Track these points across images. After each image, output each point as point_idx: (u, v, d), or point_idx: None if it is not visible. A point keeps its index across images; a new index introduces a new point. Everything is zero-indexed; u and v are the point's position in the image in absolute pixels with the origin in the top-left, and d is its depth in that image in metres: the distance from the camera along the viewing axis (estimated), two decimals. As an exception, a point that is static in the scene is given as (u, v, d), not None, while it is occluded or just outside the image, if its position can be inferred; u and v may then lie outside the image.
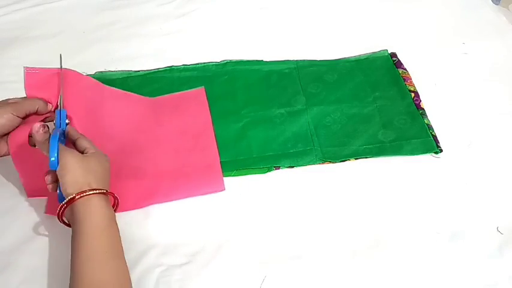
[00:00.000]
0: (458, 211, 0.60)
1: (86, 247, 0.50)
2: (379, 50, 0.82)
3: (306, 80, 0.77)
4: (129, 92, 0.72)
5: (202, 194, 0.63)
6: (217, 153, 0.66)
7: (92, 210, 0.51)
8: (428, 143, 0.67)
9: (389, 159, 0.66)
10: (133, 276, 0.55)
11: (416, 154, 0.66)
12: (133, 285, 0.54)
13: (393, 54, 0.81)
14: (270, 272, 0.54)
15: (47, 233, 0.60)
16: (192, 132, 0.69)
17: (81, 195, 0.51)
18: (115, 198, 0.55)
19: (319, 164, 0.66)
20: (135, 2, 0.97)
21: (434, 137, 0.68)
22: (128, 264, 0.56)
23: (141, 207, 0.61)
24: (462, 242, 0.56)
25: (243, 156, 0.67)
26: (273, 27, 0.90)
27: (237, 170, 0.65)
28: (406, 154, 0.66)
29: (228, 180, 0.65)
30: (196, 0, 0.97)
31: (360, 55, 0.81)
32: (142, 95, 0.77)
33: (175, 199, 0.62)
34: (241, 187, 0.64)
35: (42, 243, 0.59)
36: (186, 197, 0.62)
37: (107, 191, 0.53)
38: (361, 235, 0.58)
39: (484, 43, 0.83)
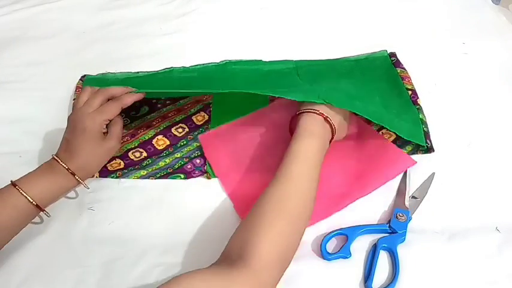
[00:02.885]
0: (457, 210, 0.60)
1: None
2: (378, 50, 0.82)
3: (305, 78, 0.77)
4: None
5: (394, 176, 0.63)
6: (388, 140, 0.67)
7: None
8: (419, 135, 0.66)
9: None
10: (134, 275, 0.55)
11: (409, 138, 0.65)
12: (133, 284, 0.54)
13: (392, 54, 0.81)
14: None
15: (47, 233, 0.60)
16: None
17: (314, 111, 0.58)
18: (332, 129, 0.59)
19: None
20: (135, 2, 0.97)
21: (426, 133, 0.67)
22: (128, 263, 0.56)
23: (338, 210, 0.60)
24: (461, 241, 0.56)
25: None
26: (273, 27, 0.90)
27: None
28: (400, 133, 0.65)
29: (228, 180, 0.65)
30: (196, 0, 0.97)
31: (359, 55, 0.81)
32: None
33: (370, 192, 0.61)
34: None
35: (43, 243, 0.58)
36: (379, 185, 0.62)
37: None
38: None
39: (484, 43, 0.83)
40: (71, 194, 0.63)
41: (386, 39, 0.84)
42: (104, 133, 0.60)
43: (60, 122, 0.73)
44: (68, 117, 0.60)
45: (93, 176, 0.64)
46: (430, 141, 0.66)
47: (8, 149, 0.70)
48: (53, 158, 0.58)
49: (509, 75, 0.77)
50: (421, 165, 0.64)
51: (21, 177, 0.56)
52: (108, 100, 0.61)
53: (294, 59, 0.81)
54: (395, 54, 0.80)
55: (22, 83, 0.81)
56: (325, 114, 0.59)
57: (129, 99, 0.61)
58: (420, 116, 0.69)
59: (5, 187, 0.55)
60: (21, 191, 0.53)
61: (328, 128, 0.59)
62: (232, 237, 0.50)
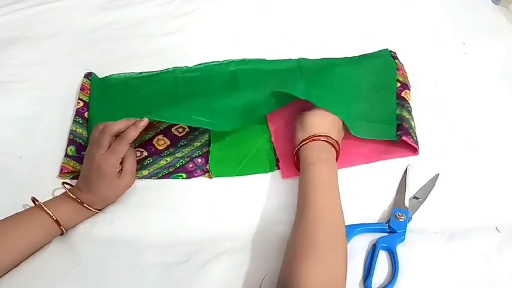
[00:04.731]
0: (457, 210, 0.60)
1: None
2: (379, 49, 0.82)
3: (307, 73, 0.77)
4: None
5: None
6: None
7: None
8: (389, 130, 0.67)
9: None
10: (132, 274, 0.55)
11: (371, 137, 0.66)
12: (132, 283, 0.54)
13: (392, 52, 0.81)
14: (270, 270, 0.54)
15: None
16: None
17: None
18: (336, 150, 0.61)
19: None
20: (135, 2, 0.97)
21: (399, 125, 0.67)
22: (127, 262, 0.56)
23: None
24: (461, 241, 0.56)
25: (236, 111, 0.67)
26: (272, 27, 0.90)
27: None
28: (362, 136, 0.66)
29: (229, 180, 0.65)
30: (196, 0, 0.97)
31: (362, 54, 0.81)
32: (143, 94, 0.77)
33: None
34: (243, 186, 0.64)
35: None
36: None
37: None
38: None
39: (484, 43, 0.83)
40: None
41: (387, 39, 0.84)
42: (118, 171, 0.61)
43: (60, 122, 0.74)
44: (87, 149, 0.61)
45: None
46: (412, 134, 0.66)
47: (8, 149, 0.70)
48: (70, 191, 0.59)
49: (509, 75, 0.78)
50: (421, 165, 0.65)
51: (47, 201, 0.59)
52: (116, 136, 0.62)
53: (296, 58, 0.81)
54: (395, 53, 0.81)
55: (22, 83, 0.81)
56: (324, 137, 0.60)
57: (133, 133, 0.61)
58: (398, 111, 0.69)
59: (32, 208, 0.58)
60: (50, 213, 0.56)
61: (331, 149, 0.61)
62: (278, 278, 0.51)
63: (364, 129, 0.67)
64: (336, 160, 0.61)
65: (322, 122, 0.62)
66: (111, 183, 0.60)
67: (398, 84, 0.74)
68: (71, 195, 0.59)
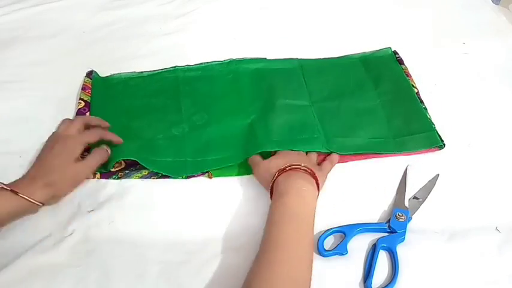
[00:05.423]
0: (457, 210, 0.60)
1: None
2: (381, 48, 0.82)
3: (309, 76, 0.77)
4: None
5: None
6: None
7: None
8: (432, 137, 0.67)
9: (389, 158, 0.66)
10: (133, 274, 0.55)
11: (420, 149, 0.66)
12: (132, 282, 0.54)
13: (395, 52, 0.81)
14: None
15: (47, 233, 0.60)
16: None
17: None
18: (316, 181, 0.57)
19: (324, 153, 0.65)
20: (135, 2, 0.97)
21: (436, 132, 0.68)
22: (127, 261, 0.56)
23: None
24: (461, 241, 0.56)
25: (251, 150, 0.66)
26: (272, 27, 0.90)
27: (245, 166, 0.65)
28: (410, 150, 0.66)
29: (229, 180, 0.65)
30: (196, 0, 0.97)
31: (363, 52, 0.82)
32: (144, 94, 0.77)
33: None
34: (243, 186, 0.64)
35: (43, 243, 0.58)
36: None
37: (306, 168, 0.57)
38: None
39: (484, 43, 0.83)
40: (72, 194, 0.63)
41: (387, 39, 0.84)
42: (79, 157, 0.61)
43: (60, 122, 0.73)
44: (48, 138, 0.62)
45: (94, 177, 0.64)
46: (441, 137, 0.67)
47: (8, 149, 0.70)
48: (5, 184, 0.56)
49: (509, 75, 0.78)
50: (421, 165, 0.65)
51: None
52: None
53: (298, 58, 0.81)
54: (398, 53, 0.81)
55: (22, 83, 0.81)
56: (310, 168, 0.57)
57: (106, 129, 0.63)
58: (428, 116, 0.70)
59: None
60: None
61: (314, 183, 0.57)
62: None
63: (409, 144, 0.67)
64: (318, 188, 0.57)
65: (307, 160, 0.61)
66: (67, 164, 0.59)
67: (416, 90, 0.74)
68: (3, 186, 0.54)
